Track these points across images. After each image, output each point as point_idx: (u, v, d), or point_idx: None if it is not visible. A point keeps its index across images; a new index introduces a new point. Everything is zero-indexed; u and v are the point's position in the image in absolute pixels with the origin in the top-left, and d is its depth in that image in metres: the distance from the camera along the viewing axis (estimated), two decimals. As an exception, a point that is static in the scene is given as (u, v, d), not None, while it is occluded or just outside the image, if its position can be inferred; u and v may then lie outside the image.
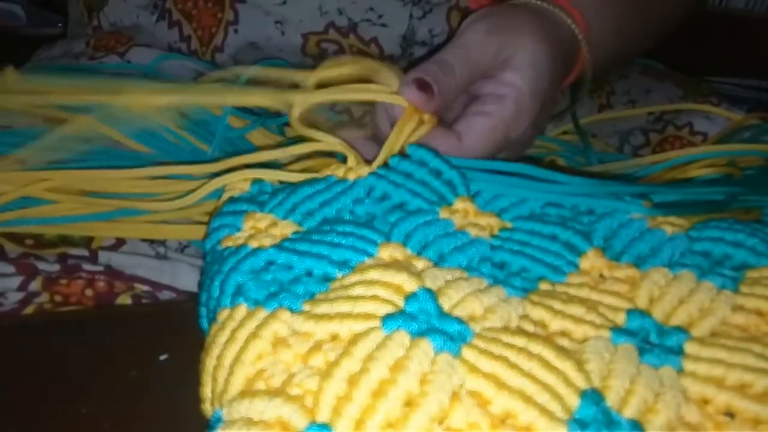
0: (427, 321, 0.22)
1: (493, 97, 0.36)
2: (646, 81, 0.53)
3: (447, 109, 0.36)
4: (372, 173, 0.31)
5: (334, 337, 0.23)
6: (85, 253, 0.34)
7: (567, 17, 0.39)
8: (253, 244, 0.27)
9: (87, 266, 0.33)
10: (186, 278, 0.35)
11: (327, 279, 0.26)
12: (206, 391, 0.23)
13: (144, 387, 0.27)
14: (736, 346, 0.24)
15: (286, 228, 0.29)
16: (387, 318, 0.22)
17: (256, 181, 0.33)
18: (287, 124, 0.42)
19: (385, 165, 0.32)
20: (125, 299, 0.34)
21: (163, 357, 0.28)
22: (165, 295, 0.35)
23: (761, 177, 0.38)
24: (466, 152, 0.35)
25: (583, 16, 0.40)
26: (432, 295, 0.24)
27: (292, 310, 0.24)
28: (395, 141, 0.33)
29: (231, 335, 0.23)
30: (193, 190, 0.34)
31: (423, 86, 0.33)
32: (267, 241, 0.28)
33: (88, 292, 0.33)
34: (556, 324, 0.25)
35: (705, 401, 0.23)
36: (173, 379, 0.26)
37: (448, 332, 0.22)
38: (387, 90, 0.34)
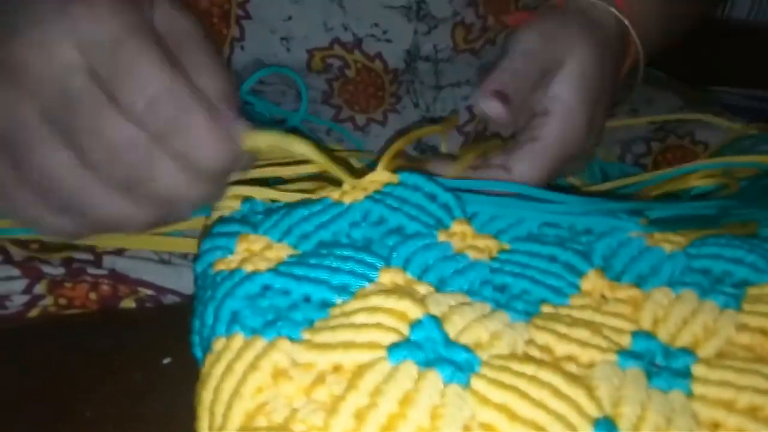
0: (433, 350, 0.22)
1: (540, 117, 0.36)
2: (647, 90, 0.53)
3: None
4: (368, 197, 0.30)
5: (338, 368, 0.22)
6: (89, 257, 0.34)
7: (612, 8, 0.39)
8: (248, 267, 0.27)
9: (91, 270, 0.33)
10: (190, 282, 0.35)
11: (326, 305, 0.25)
12: (203, 425, 0.22)
13: (147, 390, 0.27)
14: (745, 367, 0.24)
15: (282, 251, 0.28)
16: (393, 347, 0.21)
17: (247, 199, 0.32)
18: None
19: (379, 190, 0.31)
20: (129, 303, 0.34)
21: (166, 360, 0.28)
22: (169, 299, 0.35)
23: (755, 189, 0.38)
24: (518, 181, 0.35)
25: (629, 7, 0.40)
26: (437, 322, 0.23)
27: (291, 339, 0.23)
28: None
29: (228, 367, 0.22)
30: None
31: (502, 99, 0.34)
32: (262, 265, 0.27)
33: (93, 295, 0.33)
34: (561, 348, 0.24)
35: (716, 425, 0.23)
36: (177, 383, 0.25)
37: (456, 362, 0.21)
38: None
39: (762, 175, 0.39)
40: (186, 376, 0.24)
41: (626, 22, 0.39)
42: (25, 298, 0.32)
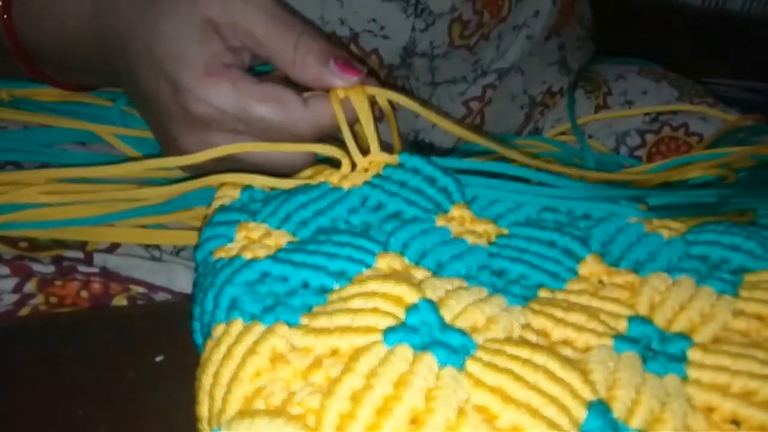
0: (429, 333, 0.22)
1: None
2: (642, 82, 0.53)
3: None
4: (366, 182, 0.30)
5: (335, 352, 0.22)
6: (80, 255, 0.34)
7: None
8: (247, 255, 0.27)
9: (82, 268, 0.33)
10: (181, 280, 0.35)
11: (324, 291, 0.25)
12: (203, 410, 0.22)
13: (140, 388, 0.27)
14: (740, 352, 0.24)
15: (280, 238, 0.28)
16: (389, 331, 0.22)
17: (246, 188, 0.32)
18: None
19: (378, 174, 0.31)
20: (121, 301, 0.34)
21: (158, 358, 0.28)
22: (160, 296, 0.35)
23: (753, 179, 0.38)
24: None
25: None
26: (433, 306, 0.23)
27: (289, 324, 0.23)
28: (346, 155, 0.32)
29: (227, 351, 0.23)
30: (180, 180, 0.34)
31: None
32: (261, 252, 0.27)
33: (84, 293, 0.33)
34: (558, 333, 0.25)
35: (710, 409, 0.23)
36: (169, 381, 0.26)
37: (451, 345, 0.22)
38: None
39: (759, 165, 0.39)
40: (179, 374, 0.24)
41: None
42: (15, 297, 0.32)
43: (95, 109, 0.41)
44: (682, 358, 0.24)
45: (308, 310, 0.24)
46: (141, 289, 0.34)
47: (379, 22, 0.42)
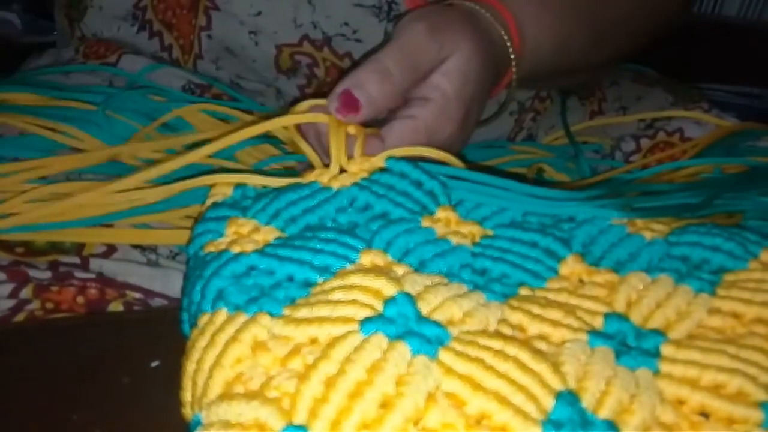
0: (405, 324, 0.23)
1: (419, 101, 0.36)
2: (637, 87, 0.54)
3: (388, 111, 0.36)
4: (355, 183, 0.31)
5: (313, 341, 0.23)
6: (76, 260, 0.34)
7: (499, 25, 0.39)
8: (235, 249, 0.28)
9: (79, 273, 0.33)
10: (178, 285, 0.35)
11: (308, 284, 0.26)
12: (186, 395, 0.23)
13: (135, 393, 0.27)
14: (711, 347, 0.25)
15: (269, 234, 0.29)
16: (365, 321, 0.22)
17: (239, 186, 0.33)
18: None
19: (367, 177, 0.32)
20: (117, 306, 0.34)
21: (154, 363, 0.28)
22: (157, 302, 0.35)
23: (740, 180, 0.38)
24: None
25: (516, 20, 0.39)
26: (411, 299, 0.24)
27: (272, 315, 0.24)
28: (338, 154, 0.32)
29: (211, 339, 0.23)
30: (174, 181, 0.35)
31: (348, 101, 0.33)
32: (249, 247, 0.28)
33: (80, 299, 0.33)
34: (534, 328, 0.25)
35: (680, 402, 0.23)
36: (165, 386, 0.26)
37: (425, 335, 0.22)
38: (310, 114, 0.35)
39: (750, 171, 0.40)
40: (174, 380, 0.25)
41: (510, 47, 0.39)
42: (11, 303, 0.32)
43: (79, 113, 0.41)
44: (655, 354, 0.25)
45: (291, 302, 0.25)
46: (137, 295, 0.34)
47: (352, 26, 0.43)
